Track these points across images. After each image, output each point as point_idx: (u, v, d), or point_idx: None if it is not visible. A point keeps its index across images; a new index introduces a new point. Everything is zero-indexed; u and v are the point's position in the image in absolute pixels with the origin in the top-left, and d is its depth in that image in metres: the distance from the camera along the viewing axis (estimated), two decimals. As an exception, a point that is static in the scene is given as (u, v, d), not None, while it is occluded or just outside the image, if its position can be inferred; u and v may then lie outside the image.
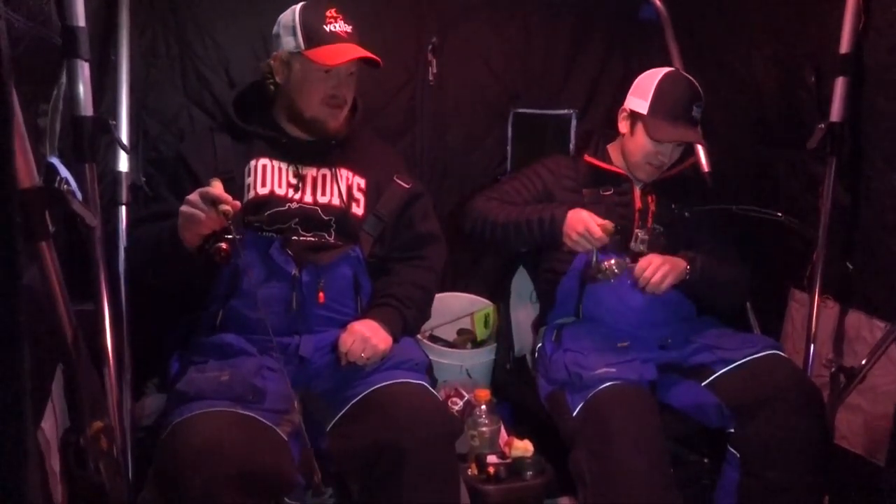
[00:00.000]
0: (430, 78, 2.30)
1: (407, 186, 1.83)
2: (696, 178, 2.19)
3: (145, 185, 1.94)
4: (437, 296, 2.37)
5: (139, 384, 1.75)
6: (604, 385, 1.70)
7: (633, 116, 1.92)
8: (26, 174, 1.04)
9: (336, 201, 1.72)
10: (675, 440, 1.85)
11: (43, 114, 1.35)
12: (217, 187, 1.43)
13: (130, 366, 1.63)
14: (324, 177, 1.73)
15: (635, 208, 1.95)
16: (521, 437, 1.87)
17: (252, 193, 1.66)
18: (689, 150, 2.13)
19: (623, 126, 1.96)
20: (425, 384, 1.60)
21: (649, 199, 1.96)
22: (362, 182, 1.77)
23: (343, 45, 1.62)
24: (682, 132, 1.86)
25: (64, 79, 1.46)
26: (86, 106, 1.49)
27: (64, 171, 1.26)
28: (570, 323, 1.95)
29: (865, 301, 1.82)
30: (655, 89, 1.87)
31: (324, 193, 1.72)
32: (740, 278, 1.98)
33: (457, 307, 2.40)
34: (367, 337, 1.59)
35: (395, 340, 1.66)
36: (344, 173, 1.75)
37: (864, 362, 1.72)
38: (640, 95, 1.91)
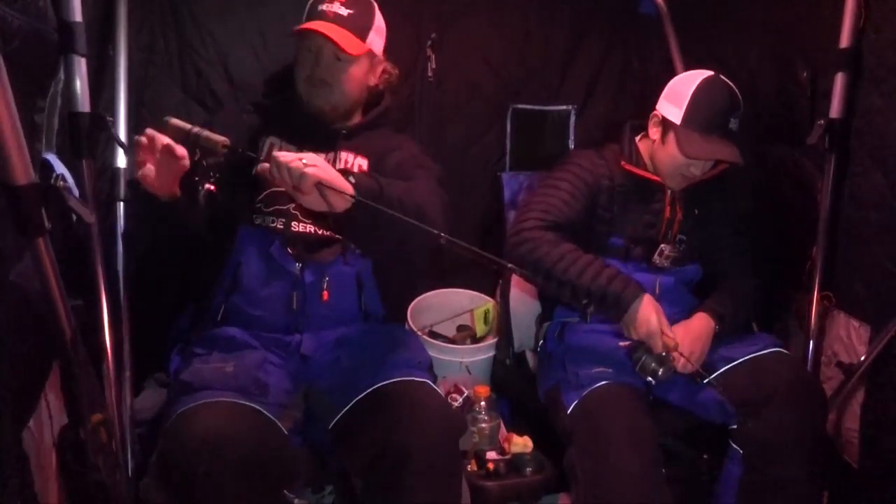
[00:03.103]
0: (430, 74, 2.30)
1: (411, 153, 1.72)
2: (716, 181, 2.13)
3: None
4: (437, 292, 2.40)
5: (139, 380, 1.75)
6: (598, 384, 1.70)
7: (666, 124, 1.81)
8: (22, 170, 1.04)
9: None
10: (676, 437, 1.85)
11: (40, 110, 1.34)
12: (172, 127, 1.33)
13: (130, 361, 1.63)
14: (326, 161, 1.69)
15: (664, 217, 1.88)
16: (521, 434, 1.87)
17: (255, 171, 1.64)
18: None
19: (654, 132, 1.86)
20: (429, 382, 1.57)
21: (677, 207, 1.89)
22: (364, 163, 1.70)
23: (320, 23, 1.58)
24: (718, 148, 1.74)
25: (61, 75, 1.45)
26: (83, 102, 1.49)
27: (60, 168, 1.26)
28: (575, 321, 1.94)
29: (845, 300, 1.82)
30: (691, 98, 1.75)
31: None
32: (757, 299, 1.93)
33: (456, 303, 2.40)
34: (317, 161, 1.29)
35: (357, 188, 1.32)
36: (344, 155, 1.70)
37: (862, 359, 1.73)
38: (675, 102, 1.79)
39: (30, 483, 1.18)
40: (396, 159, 1.69)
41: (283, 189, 1.37)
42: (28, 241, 1.09)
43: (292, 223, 1.64)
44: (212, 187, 1.39)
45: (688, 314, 1.84)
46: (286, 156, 1.26)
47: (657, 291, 1.86)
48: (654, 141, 1.87)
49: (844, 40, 1.71)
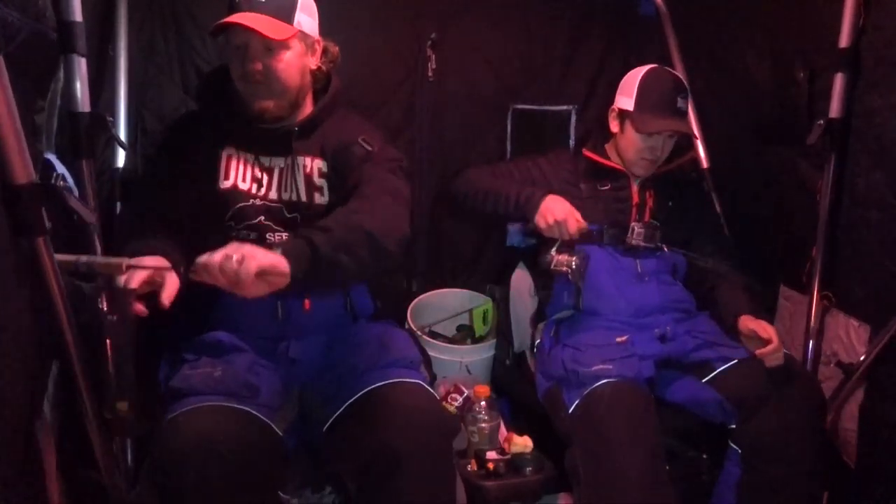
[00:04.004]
0: (430, 74, 2.30)
1: (370, 149, 1.65)
2: (694, 176, 2.19)
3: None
4: (437, 292, 2.40)
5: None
6: (600, 382, 1.69)
7: (622, 114, 1.96)
8: (23, 170, 1.04)
9: (295, 196, 1.62)
10: (675, 436, 1.85)
11: (40, 110, 1.34)
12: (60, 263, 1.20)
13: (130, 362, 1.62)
14: (285, 169, 1.63)
15: (632, 203, 1.97)
16: (521, 433, 1.87)
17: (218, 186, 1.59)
18: (687, 146, 2.13)
19: (614, 125, 1.99)
20: (420, 382, 1.54)
21: (647, 194, 1.99)
22: (323, 165, 1.64)
23: (239, 14, 1.49)
24: (668, 122, 1.88)
25: (61, 75, 1.45)
26: (83, 102, 1.49)
27: (61, 168, 1.26)
28: (568, 317, 1.95)
29: (844, 300, 1.82)
30: (639, 85, 1.91)
31: (286, 188, 1.62)
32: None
33: (455, 303, 2.41)
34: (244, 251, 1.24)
35: (297, 266, 1.30)
36: (302, 161, 1.64)
37: (861, 359, 1.73)
38: (626, 93, 1.94)
39: (31, 483, 1.18)
40: (356, 158, 1.63)
41: (248, 204, 1.53)
42: (28, 241, 1.09)
43: (266, 235, 1.60)
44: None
45: (680, 304, 1.91)
46: (212, 257, 1.22)
47: (639, 270, 1.93)
48: (615, 134, 1.99)
49: (843, 40, 1.71)
